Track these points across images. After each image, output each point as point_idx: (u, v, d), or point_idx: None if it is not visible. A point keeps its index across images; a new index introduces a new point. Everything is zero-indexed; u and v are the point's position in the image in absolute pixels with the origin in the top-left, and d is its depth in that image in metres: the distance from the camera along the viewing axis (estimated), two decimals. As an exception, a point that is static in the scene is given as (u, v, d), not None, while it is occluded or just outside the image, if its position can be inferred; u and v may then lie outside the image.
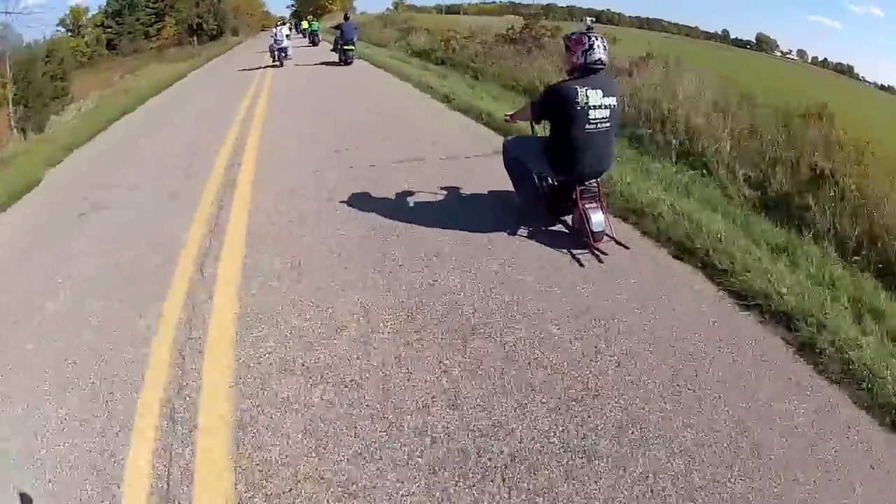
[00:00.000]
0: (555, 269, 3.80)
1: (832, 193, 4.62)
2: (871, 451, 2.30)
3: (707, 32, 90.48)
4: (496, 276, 3.72)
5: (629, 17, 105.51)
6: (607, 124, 3.95)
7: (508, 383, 2.70)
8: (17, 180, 6.72)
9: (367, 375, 2.79)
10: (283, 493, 2.17)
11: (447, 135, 7.42)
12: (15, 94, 15.75)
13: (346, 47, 17.04)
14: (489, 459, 2.27)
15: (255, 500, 2.15)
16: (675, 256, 3.85)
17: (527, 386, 2.68)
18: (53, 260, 4.43)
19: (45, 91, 16.01)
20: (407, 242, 4.23)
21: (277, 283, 3.74)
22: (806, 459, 2.25)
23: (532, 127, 4.64)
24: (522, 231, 4.33)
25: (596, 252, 3.95)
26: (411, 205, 5.03)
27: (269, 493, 2.18)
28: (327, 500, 2.13)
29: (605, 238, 4.05)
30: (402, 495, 2.14)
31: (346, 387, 2.72)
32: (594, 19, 4.94)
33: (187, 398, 2.70)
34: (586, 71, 3.93)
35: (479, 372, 2.79)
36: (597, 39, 3.89)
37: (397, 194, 5.23)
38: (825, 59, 77.24)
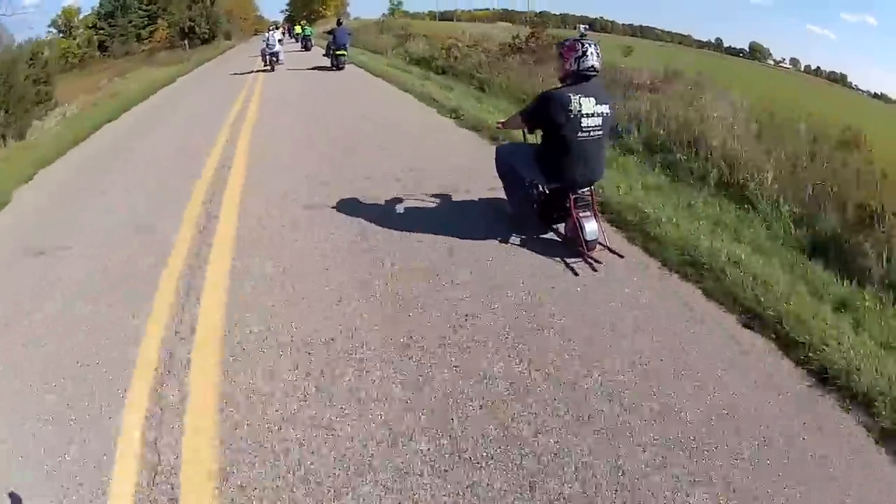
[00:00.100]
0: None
1: (883, 232, 4.19)
2: None
3: (700, 41, 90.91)
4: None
5: (622, 24, 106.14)
6: (600, 132, 3.92)
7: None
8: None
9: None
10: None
11: (473, 170, 5.91)
12: (-6, 99, 15.21)
13: (338, 52, 16.99)
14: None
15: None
16: (745, 325, 3.18)
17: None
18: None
19: (28, 96, 15.55)
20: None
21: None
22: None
23: (524, 134, 4.60)
24: (515, 239, 4.29)
25: (590, 261, 3.91)
26: (401, 211, 4.99)
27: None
28: None
29: (599, 247, 4.02)
30: None
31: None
32: (587, 26, 4.91)
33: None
34: (579, 78, 3.90)
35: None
36: (590, 46, 3.86)
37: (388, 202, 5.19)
38: (818, 67, 77.87)
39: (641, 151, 6.44)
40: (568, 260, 3.95)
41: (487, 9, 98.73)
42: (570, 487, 2.16)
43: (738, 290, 3.41)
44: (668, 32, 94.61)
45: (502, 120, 4.75)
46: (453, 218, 4.74)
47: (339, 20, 19.88)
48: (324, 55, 19.01)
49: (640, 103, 7.47)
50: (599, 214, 4.20)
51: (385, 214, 4.87)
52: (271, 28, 20.90)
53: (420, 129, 8.27)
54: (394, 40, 23.43)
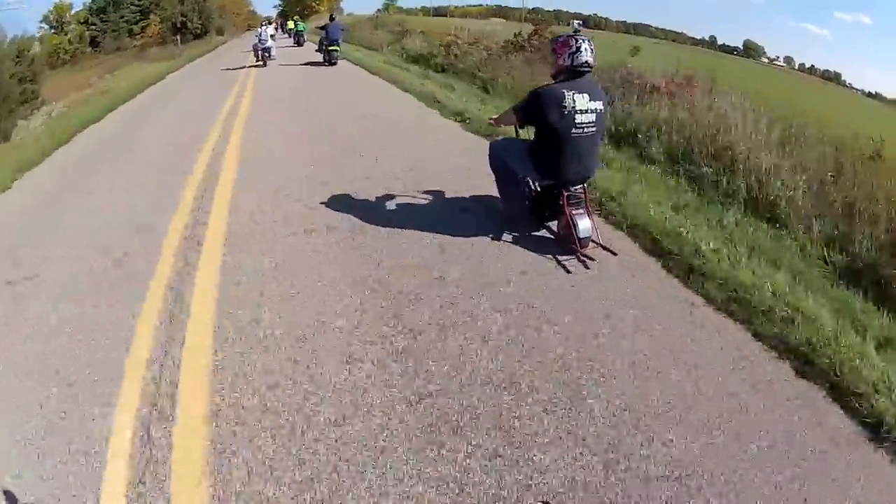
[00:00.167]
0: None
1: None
2: None
3: (694, 38, 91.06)
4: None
5: (616, 21, 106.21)
6: (594, 128, 3.89)
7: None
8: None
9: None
10: None
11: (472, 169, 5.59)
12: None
13: (330, 48, 16.93)
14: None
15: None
16: (799, 372, 2.82)
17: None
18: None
19: (13, 95, 15.20)
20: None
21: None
22: None
23: (516, 130, 4.56)
24: (507, 237, 4.26)
25: (583, 259, 3.89)
26: (392, 207, 4.96)
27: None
28: None
29: (591, 244, 4.00)
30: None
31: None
32: (581, 22, 4.82)
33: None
34: (572, 74, 3.87)
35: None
36: (584, 42, 3.83)
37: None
38: (812, 66, 78.30)
39: (663, 162, 6.10)
40: (560, 257, 3.93)
41: (481, 5, 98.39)
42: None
43: (790, 331, 3.05)
44: (661, 30, 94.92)
45: (495, 116, 4.70)
46: (445, 215, 4.71)
47: (331, 16, 19.81)
48: (316, 51, 18.92)
49: (659, 109, 7.07)
50: (592, 212, 4.16)
51: (381, 212, 4.84)
52: (263, 23, 20.74)
53: (421, 131, 7.92)
54: (389, 36, 23.01)
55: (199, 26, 48.46)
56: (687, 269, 3.71)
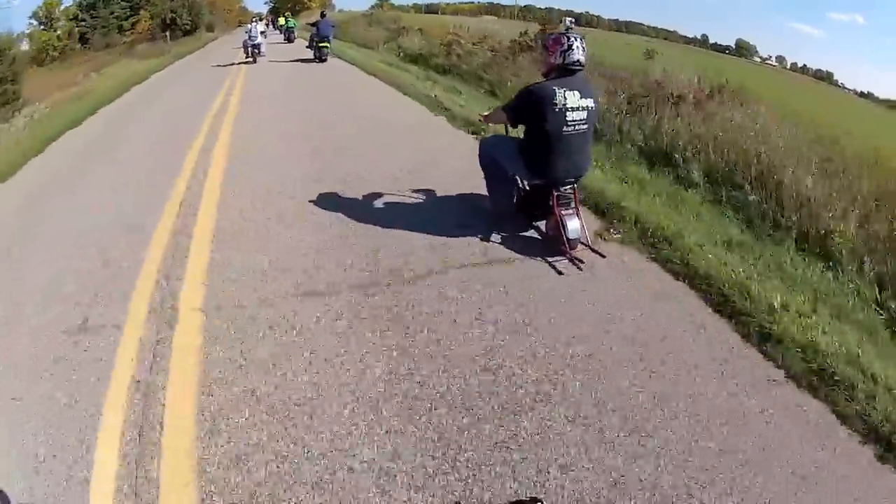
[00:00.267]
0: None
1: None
2: None
3: (686, 37, 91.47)
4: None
5: (607, 19, 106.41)
6: (585, 126, 3.85)
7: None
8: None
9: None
10: None
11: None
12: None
13: (321, 44, 16.80)
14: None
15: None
16: (880, 458, 2.40)
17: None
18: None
19: None
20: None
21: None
22: None
23: (506, 128, 4.50)
24: (496, 237, 4.19)
25: (573, 260, 3.84)
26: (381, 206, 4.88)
27: None
28: None
29: (580, 246, 3.96)
30: None
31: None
32: (573, 20, 4.75)
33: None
34: (564, 72, 3.82)
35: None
36: (576, 40, 3.80)
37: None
38: (804, 65, 78.89)
39: (703, 185, 5.45)
40: (549, 259, 3.87)
41: (472, 2, 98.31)
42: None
43: (872, 410, 2.61)
44: (653, 28, 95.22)
45: (485, 113, 4.62)
46: (436, 215, 4.64)
47: (322, 12, 19.65)
48: (307, 47, 18.77)
49: (691, 122, 6.43)
50: (581, 212, 4.09)
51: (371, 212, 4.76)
52: (254, 20, 20.61)
53: (433, 145, 6.88)
54: (385, 34, 22.50)
55: (189, 22, 48.14)
56: (762, 334, 3.12)
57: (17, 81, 17.58)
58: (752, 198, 5.00)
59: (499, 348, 2.95)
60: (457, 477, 2.18)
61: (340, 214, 4.66)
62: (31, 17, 48.28)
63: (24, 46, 42.09)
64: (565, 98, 3.72)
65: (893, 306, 3.71)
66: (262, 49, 18.31)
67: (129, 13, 47.72)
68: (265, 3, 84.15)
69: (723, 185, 5.35)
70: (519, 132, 4.28)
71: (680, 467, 2.25)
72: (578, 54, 3.78)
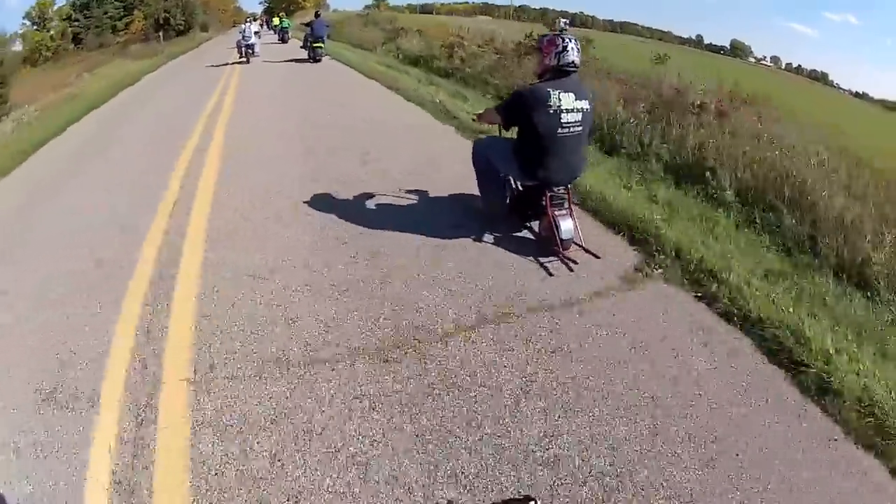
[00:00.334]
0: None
1: None
2: None
3: (681, 37, 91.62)
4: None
5: (602, 20, 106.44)
6: (579, 128, 3.85)
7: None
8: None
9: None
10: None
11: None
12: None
13: (315, 45, 16.75)
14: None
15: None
16: None
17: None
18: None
19: None
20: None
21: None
22: None
23: (499, 129, 4.49)
24: (488, 237, 4.21)
25: (566, 261, 3.85)
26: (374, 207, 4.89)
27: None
28: None
29: (574, 246, 3.97)
30: None
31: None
32: (568, 21, 4.73)
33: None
34: (558, 73, 3.82)
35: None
36: (570, 41, 3.79)
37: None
38: (799, 65, 79.25)
39: (734, 205, 5.08)
40: (542, 259, 3.89)
41: (467, 2, 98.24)
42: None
43: None
44: (648, 28, 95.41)
45: (479, 112, 4.61)
46: (429, 216, 4.64)
47: (317, 12, 19.69)
48: (301, 47, 18.72)
49: (719, 134, 6.04)
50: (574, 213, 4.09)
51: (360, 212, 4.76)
52: (248, 20, 20.46)
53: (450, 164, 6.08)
54: (382, 34, 21.98)
55: (183, 23, 47.94)
56: (821, 386, 2.81)
57: (6, 84, 17.28)
58: (787, 221, 4.66)
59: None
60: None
61: (333, 215, 4.68)
62: (24, 18, 48.08)
63: (17, 47, 41.97)
64: (560, 100, 3.72)
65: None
66: (257, 49, 18.23)
67: (122, 13, 47.45)
68: (259, 3, 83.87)
69: (755, 206, 4.98)
70: (514, 133, 4.27)
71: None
72: (573, 55, 3.77)
